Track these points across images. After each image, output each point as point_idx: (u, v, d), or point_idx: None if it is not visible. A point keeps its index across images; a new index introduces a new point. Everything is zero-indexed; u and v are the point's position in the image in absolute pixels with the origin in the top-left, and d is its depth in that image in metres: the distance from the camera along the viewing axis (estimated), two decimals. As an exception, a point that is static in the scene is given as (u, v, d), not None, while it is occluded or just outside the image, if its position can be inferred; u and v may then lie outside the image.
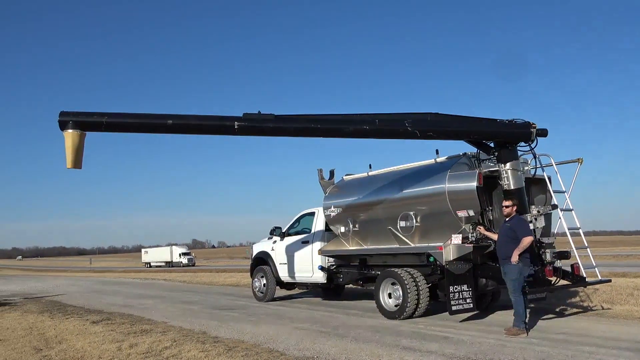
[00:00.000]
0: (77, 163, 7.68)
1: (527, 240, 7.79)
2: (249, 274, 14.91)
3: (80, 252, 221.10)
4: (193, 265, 66.25)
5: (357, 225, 11.16)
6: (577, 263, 9.02)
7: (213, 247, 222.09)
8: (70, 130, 7.63)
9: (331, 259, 12.20)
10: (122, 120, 8.14)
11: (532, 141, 8.96)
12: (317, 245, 12.33)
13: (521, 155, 9.14)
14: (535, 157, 9.34)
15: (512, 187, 8.80)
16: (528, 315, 8.38)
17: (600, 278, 9.49)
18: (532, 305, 9.95)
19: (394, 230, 10.26)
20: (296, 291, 14.72)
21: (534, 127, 8.88)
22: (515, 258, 7.76)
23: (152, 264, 76.72)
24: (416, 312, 9.63)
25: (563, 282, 9.13)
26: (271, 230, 13.73)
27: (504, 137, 8.92)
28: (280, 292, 14.06)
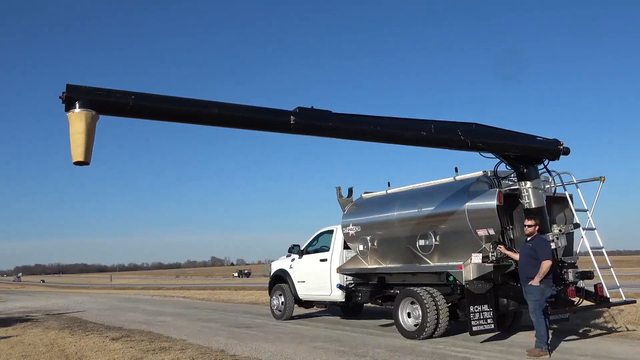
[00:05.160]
0: (87, 155, 5.78)
1: (546, 265, 7.71)
2: (267, 291, 14.89)
3: (101, 269, 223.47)
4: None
5: (375, 244, 11.12)
6: (601, 283, 8.86)
7: (232, 264, 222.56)
8: (78, 110, 5.76)
9: (350, 278, 12.13)
10: (155, 104, 6.37)
11: (558, 159, 8.92)
12: (336, 263, 12.29)
13: (541, 173, 9.07)
14: (550, 175, 9.28)
15: (533, 206, 8.71)
16: (550, 336, 8.23)
17: (624, 299, 9.31)
18: (555, 326, 9.77)
19: (413, 249, 10.20)
20: (314, 310, 14.65)
21: (561, 145, 8.85)
22: (536, 282, 7.67)
23: None
24: (436, 332, 9.52)
25: (586, 302, 8.96)
26: (290, 248, 13.73)
27: (538, 154, 8.86)
28: (298, 310, 14.01)
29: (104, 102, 5.95)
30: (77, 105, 5.74)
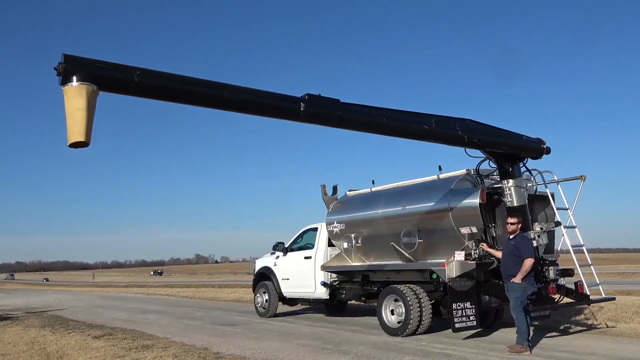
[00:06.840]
0: (87, 135, 5.04)
1: (529, 262, 7.79)
2: (251, 289, 14.87)
3: (84, 267, 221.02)
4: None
5: (359, 241, 11.14)
6: (581, 281, 8.98)
7: (216, 262, 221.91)
8: (76, 84, 5.07)
9: (334, 275, 12.15)
10: (161, 81, 5.84)
11: (541, 158, 9.03)
12: (320, 260, 12.30)
13: (524, 172, 9.17)
14: (531, 174, 9.39)
15: (516, 204, 8.79)
16: (531, 333, 8.33)
17: (604, 296, 9.45)
18: (536, 322, 9.88)
19: (396, 246, 10.24)
20: (299, 307, 14.66)
21: (544, 144, 8.96)
22: (518, 280, 7.75)
23: None
24: (419, 329, 9.57)
25: (567, 299, 9.07)
26: (274, 245, 13.71)
27: (524, 152, 8.95)
28: (282, 307, 14.01)
29: (106, 77, 5.37)
30: (75, 78, 5.11)
